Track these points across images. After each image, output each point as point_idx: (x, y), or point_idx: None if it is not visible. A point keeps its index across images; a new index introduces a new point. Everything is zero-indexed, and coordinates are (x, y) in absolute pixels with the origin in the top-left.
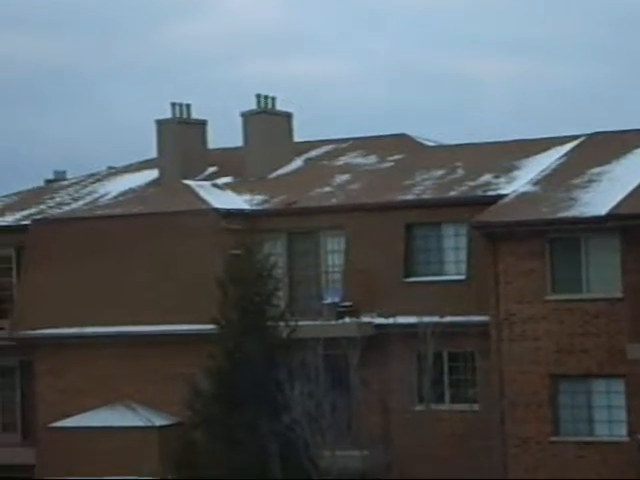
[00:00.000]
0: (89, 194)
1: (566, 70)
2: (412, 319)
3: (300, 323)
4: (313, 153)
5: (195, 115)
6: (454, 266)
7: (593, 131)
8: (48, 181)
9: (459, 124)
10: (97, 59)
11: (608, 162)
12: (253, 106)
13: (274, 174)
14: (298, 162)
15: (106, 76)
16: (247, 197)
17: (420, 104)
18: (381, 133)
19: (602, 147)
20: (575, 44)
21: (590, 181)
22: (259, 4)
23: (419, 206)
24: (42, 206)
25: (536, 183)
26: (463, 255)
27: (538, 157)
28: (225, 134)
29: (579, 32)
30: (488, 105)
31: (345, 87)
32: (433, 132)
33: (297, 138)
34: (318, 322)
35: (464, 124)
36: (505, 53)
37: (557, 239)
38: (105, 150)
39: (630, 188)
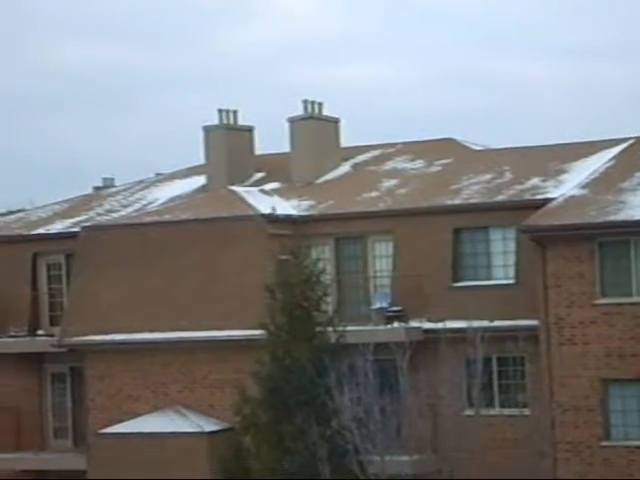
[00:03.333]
0: (137, 201)
1: (616, 72)
2: (461, 324)
3: (348, 328)
4: (360, 158)
5: (242, 121)
6: (502, 270)
7: None
8: (97, 188)
9: (510, 127)
10: (145, 66)
11: None
12: (300, 111)
13: (321, 179)
14: (345, 167)
15: (154, 83)
16: (294, 202)
17: (471, 108)
18: (431, 137)
19: None
20: (626, 47)
21: (639, 184)
22: (309, 9)
23: (467, 210)
24: (91, 213)
25: (584, 186)
26: (511, 259)
27: (586, 160)
28: (272, 140)
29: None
30: (541, 108)
31: (396, 92)
32: (483, 136)
33: (345, 143)
34: (367, 327)
35: (516, 127)
36: (557, 56)
37: (606, 242)
38: (153, 157)
39: None
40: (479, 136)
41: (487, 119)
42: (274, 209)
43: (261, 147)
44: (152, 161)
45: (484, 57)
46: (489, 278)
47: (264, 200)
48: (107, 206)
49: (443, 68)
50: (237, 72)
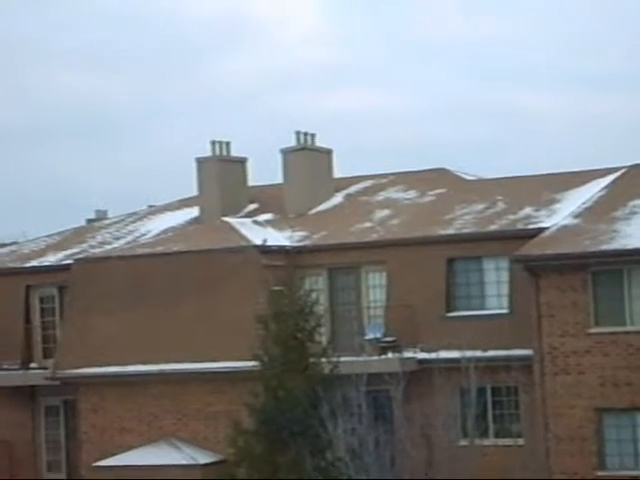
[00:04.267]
0: (130, 233)
1: (619, 103)
2: (455, 354)
3: (342, 359)
4: (353, 189)
5: (235, 152)
6: (496, 300)
7: (634, 163)
8: (90, 220)
9: (510, 159)
10: (138, 98)
11: None
12: (293, 142)
13: (314, 210)
14: (338, 198)
15: (147, 115)
16: (288, 233)
17: (468, 139)
18: (423, 168)
19: None
20: (629, 77)
21: (632, 213)
22: (301, 39)
23: (460, 240)
24: (84, 245)
25: (577, 216)
26: (505, 289)
27: (579, 190)
28: (265, 171)
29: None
30: (541, 139)
31: (391, 122)
32: (482, 167)
33: (338, 174)
34: (360, 358)
35: (516, 159)
36: (559, 87)
37: (599, 272)
38: (146, 189)
39: None
40: (477, 167)
41: (487, 150)
42: (265, 240)
43: (254, 178)
44: (145, 193)
45: (483, 88)
46: (482, 308)
47: (257, 231)
48: (100, 238)
49: (440, 99)
50: (230, 103)
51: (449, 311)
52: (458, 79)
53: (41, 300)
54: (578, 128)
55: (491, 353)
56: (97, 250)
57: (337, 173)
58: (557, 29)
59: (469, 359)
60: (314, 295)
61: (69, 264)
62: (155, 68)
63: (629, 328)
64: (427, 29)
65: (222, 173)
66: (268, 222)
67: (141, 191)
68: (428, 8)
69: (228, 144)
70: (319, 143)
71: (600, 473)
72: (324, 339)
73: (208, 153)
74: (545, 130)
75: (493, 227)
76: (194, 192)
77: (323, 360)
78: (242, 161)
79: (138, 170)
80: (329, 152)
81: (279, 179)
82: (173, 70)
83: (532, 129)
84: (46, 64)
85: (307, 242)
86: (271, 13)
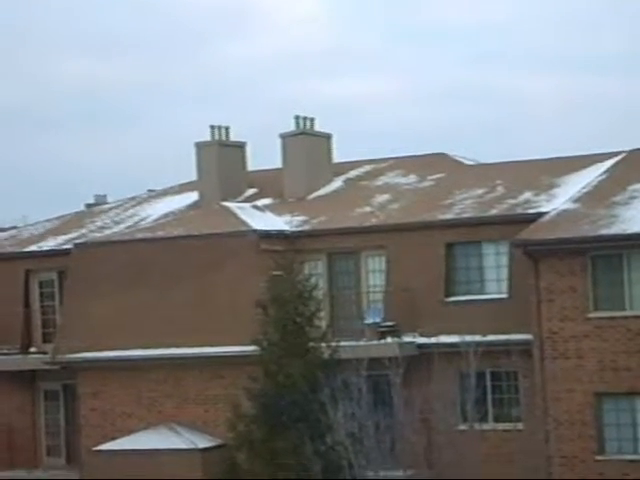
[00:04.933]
0: (130, 217)
1: (616, 86)
2: (454, 338)
3: (342, 344)
4: (353, 173)
5: (234, 137)
6: (495, 285)
7: (634, 147)
8: (89, 205)
9: (504, 142)
10: (137, 82)
11: None
12: (292, 127)
13: (314, 195)
14: (338, 182)
15: (146, 99)
16: (287, 218)
17: (466, 123)
18: (423, 152)
19: None
20: (626, 61)
21: (631, 198)
22: (300, 24)
23: (459, 225)
24: (83, 230)
25: (576, 200)
26: (504, 273)
27: (578, 174)
28: (264, 155)
29: (630, 48)
30: (539, 123)
31: (389, 106)
32: (477, 150)
33: (337, 158)
34: (360, 342)
35: (509, 141)
36: (555, 70)
37: (599, 256)
38: (145, 173)
39: None
40: (475, 151)
41: (484, 134)
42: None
43: (253, 163)
44: (144, 177)
45: (481, 72)
46: (482, 292)
47: (257, 216)
48: (99, 223)
49: (438, 83)
50: (229, 88)
51: (448, 296)
52: (455, 63)
53: (40, 284)
54: (577, 112)
55: (490, 338)
56: (97, 235)
57: (336, 158)
58: (554, 12)
59: (468, 344)
60: (313, 280)
61: (69, 249)
62: (157, 53)
63: (628, 313)
64: (425, 13)
65: (221, 158)
66: (267, 207)
67: (141, 176)
68: None
69: (227, 129)
70: (318, 128)
71: (599, 457)
72: (323, 324)
73: (207, 138)
74: (544, 114)
75: (492, 212)
76: (194, 177)
77: (322, 345)
78: (241, 146)
79: (138, 154)
80: (328, 137)
81: (278, 164)
82: (174, 55)
83: (531, 113)
84: (49, 47)
85: (306, 227)
86: None
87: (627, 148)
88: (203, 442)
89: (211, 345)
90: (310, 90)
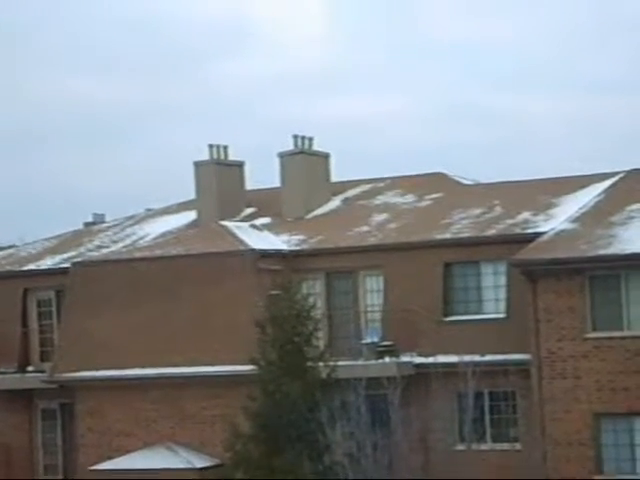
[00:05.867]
0: (128, 236)
1: (619, 107)
2: (452, 358)
3: (340, 363)
4: (351, 193)
5: (232, 156)
6: (493, 304)
7: (632, 168)
8: (87, 224)
9: (503, 161)
10: (135, 101)
11: None
12: (291, 146)
13: (312, 214)
14: (336, 202)
15: (144, 118)
16: (285, 237)
17: (468, 143)
18: (421, 172)
19: None
20: (629, 81)
21: (629, 218)
22: (299, 43)
23: (457, 245)
24: (81, 249)
25: (574, 220)
26: (502, 293)
27: (576, 194)
28: (263, 175)
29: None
30: (541, 143)
31: (390, 126)
32: (476, 170)
33: (335, 178)
34: (358, 362)
35: (508, 161)
36: (558, 91)
37: (597, 276)
38: (143, 192)
39: None
40: (474, 171)
41: (483, 154)
42: None
43: (252, 182)
44: (142, 196)
45: (481, 91)
46: (480, 312)
47: (255, 235)
48: (97, 242)
49: (438, 102)
50: (228, 107)
51: (446, 315)
52: (456, 82)
53: (38, 303)
54: (576, 132)
55: (488, 357)
56: (95, 253)
57: (334, 177)
58: (557, 31)
59: (466, 363)
60: (311, 299)
61: (67, 267)
62: (156, 72)
63: (626, 333)
64: (426, 32)
65: (220, 177)
66: (265, 226)
67: (139, 194)
68: (427, 10)
69: (226, 148)
70: (316, 147)
71: (597, 478)
72: (321, 343)
73: (206, 157)
74: (543, 134)
75: (490, 231)
76: (192, 196)
77: (321, 364)
78: (240, 165)
79: (136, 173)
80: (326, 156)
81: (277, 183)
82: (173, 74)
83: (531, 133)
84: (48, 67)
85: (304, 246)
86: (272, 16)
87: (626, 168)
88: (200, 462)
89: (209, 364)
90: (309, 109)
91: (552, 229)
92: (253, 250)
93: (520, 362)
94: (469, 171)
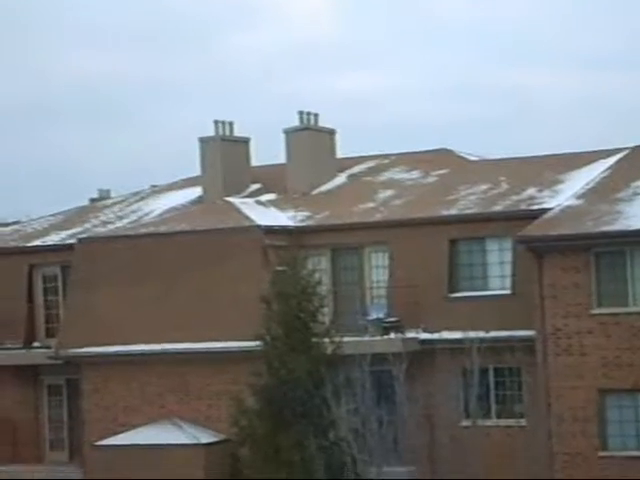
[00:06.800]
0: (133, 212)
1: (622, 82)
2: (457, 334)
3: (345, 339)
4: (356, 169)
5: (238, 132)
6: (499, 281)
7: (637, 144)
8: (93, 200)
9: (509, 138)
10: (141, 76)
11: None
12: (296, 122)
13: (317, 190)
14: (341, 178)
15: (150, 93)
16: (291, 213)
17: (472, 119)
18: (426, 148)
19: None
20: (632, 57)
21: (635, 194)
22: (306, 19)
23: (463, 221)
24: (87, 225)
25: (580, 197)
26: (508, 270)
27: (582, 171)
28: (268, 151)
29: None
30: (545, 119)
31: (395, 102)
32: (481, 146)
33: (341, 154)
34: (363, 338)
35: (514, 138)
36: (562, 67)
37: (602, 253)
38: (149, 168)
39: None
40: (479, 147)
41: (488, 130)
42: None
43: (257, 158)
44: (148, 172)
45: (485, 68)
46: (485, 289)
47: (260, 211)
48: (103, 218)
49: (443, 78)
50: (234, 82)
51: (452, 292)
52: (460, 59)
53: (44, 279)
54: (582, 108)
55: (494, 334)
56: (100, 229)
57: (340, 153)
58: (560, 8)
59: (472, 340)
60: (317, 275)
61: (72, 243)
62: (163, 46)
63: (632, 309)
64: (432, 8)
65: (225, 153)
66: (271, 202)
67: (145, 170)
68: None
69: (231, 124)
70: (322, 123)
71: (602, 454)
72: (327, 319)
73: (211, 133)
74: (549, 110)
75: (496, 208)
76: (198, 172)
77: (326, 340)
78: (245, 141)
79: (142, 149)
80: (332, 132)
81: (282, 159)
82: (179, 49)
83: (536, 109)
84: (53, 42)
85: (310, 222)
86: None
87: (631, 145)
88: (206, 437)
89: (214, 340)
90: (315, 85)
91: (558, 205)
92: (258, 226)
93: (525, 338)
94: (473, 147)
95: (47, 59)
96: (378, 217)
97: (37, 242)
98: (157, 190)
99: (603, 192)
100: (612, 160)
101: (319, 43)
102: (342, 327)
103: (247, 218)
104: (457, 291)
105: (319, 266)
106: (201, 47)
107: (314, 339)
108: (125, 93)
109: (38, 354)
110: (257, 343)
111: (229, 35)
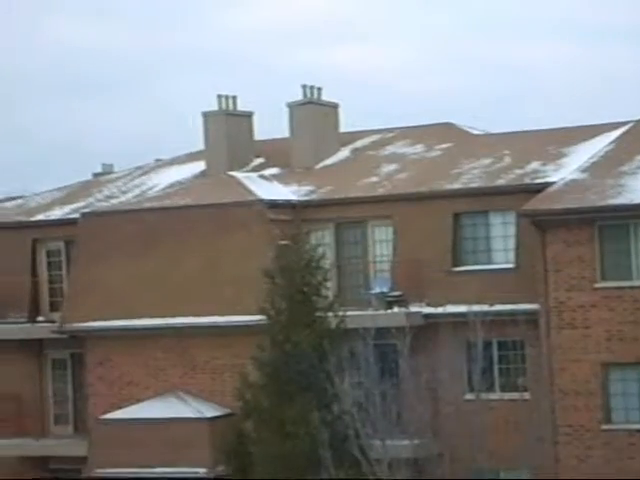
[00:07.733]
0: (137, 187)
1: (623, 54)
2: (461, 308)
3: (349, 313)
4: (360, 143)
5: (241, 106)
6: (502, 255)
7: None
8: (96, 174)
9: (512, 111)
10: (143, 50)
11: None
12: (299, 96)
13: (321, 164)
14: (345, 152)
15: (153, 67)
16: (294, 188)
17: (472, 91)
18: (430, 122)
19: None
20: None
21: (639, 167)
22: None
23: (467, 195)
24: (91, 199)
25: (584, 170)
26: (511, 243)
27: (586, 144)
28: (272, 125)
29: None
30: (544, 91)
31: (395, 75)
32: (484, 120)
33: (344, 128)
34: (367, 312)
35: (517, 111)
36: (561, 38)
37: (606, 226)
38: (152, 142)
39: None
40: (483, 121)
41: (492, 104)
42: None
43: (260, 132)
44: (151, 147)
45: (488, 41)
46: (489, 262)
47: (264, 186)
48: (106, 192)
49: (446, 52)
50: (236, 56)
51: (455, 265)
52: (463, 33)
53: (48, 254)
54: (586, 81)
55: (497, 307)
56: (104, 204)
57: (343, 127)
58: None
59: (475, 313)
60: (321, 249)
61: (76, 218)
62: (166, 20)
63: (635, 283)
64: None
65: (228, 127)
66: (274, 176)
67: (148, 145)
68: None
69: (234, 98)
70: (325, 97)
71: (605, 427)
72: (331, 293)
73: (215, 107)
74: (552, 83)
75: (500, 181)
76: (201, 146)
77: (330, 314)
78: (248, 115)
79: (145, 123)
80: (335, 106)
81: (285, 133)
82: (183, 22)
83: (539, 82)
84: (55, 15)
85: (313, 196)
86: None
87: (635, 118)
88: (210, 411)
89: (218, 314)
90: (316, 59)
91: (562, 179)
92: (262, 200)
93: (529, 312)
94: (476, 121)
95: (50, 32)
96: (382, 191)
97: (41, 217)
98: (161, 164)
99: (607, 166)
100: (616, 133)
101: (321, 18)
102: (346, 301)
103: (251, 192)
104: (461, 265)
105: (323, 240)
106: (205, 22)
107: (318, 313)
108: (129, 67)
109: (42, 328)
110: (261, 317)
111: (232, 10)
